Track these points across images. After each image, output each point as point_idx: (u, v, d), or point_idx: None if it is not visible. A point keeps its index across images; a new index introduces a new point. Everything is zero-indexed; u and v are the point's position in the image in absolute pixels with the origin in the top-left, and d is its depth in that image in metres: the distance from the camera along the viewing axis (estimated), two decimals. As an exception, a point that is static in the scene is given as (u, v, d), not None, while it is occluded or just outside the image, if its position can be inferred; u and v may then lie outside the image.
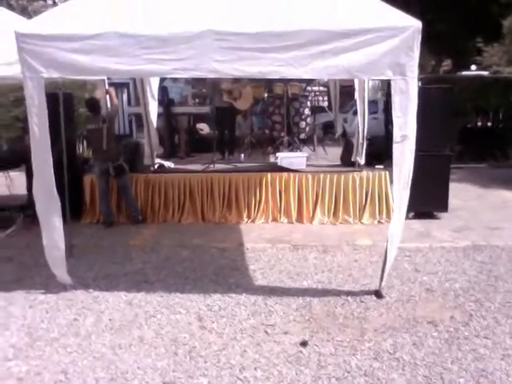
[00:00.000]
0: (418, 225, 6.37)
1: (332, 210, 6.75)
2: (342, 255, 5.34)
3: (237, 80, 8.21)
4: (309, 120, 9.38)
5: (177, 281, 4.65)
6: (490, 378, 3.06)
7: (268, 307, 4.07)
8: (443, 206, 6.69)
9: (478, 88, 11.63)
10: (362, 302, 4.15)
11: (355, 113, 9.81)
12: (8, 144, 10.47)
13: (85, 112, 7.73)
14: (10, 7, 16.75)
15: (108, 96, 6.88)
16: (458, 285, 4.51)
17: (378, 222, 6.65)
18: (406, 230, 4.37)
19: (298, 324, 3.78)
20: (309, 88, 10.02)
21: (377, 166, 7.05)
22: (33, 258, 5.11)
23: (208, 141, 8.83)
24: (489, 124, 13.09)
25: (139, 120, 10.46)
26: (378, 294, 4.26)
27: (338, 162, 7.81)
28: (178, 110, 9.15)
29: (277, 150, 8.27)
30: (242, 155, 8.48)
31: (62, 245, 4.20)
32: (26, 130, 5.70)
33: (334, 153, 8.56)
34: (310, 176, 6.77)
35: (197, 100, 10.56)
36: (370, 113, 8.99)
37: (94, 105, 6.59)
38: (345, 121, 14.72)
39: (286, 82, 8.58)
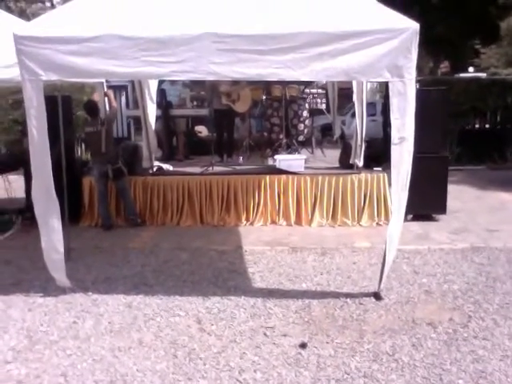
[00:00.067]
0: (417, 227, 6.38)
1: (330, 213, 6.75)
2: (341, 257, 5.34)
3: (235, 82, 8.22)
4: (307, 122, 9.39)
5: (176, 283, 4.65)
6: (489, 379, 3.06)
7: (267, 309, 4.07)
8: (441, 208, 6.70)
9: (475, 90, 11.67)
10: (361, 303, 4.15)
11: (353, 115, 9.81)
12: (6, 147, 10.47)
13: (83, 115, 7.74)
14: (9, 9, 16.77)
15: (106, 98, 6.89)
16: (457, 286, 4.51)
17: (377, 224, 6.66)
18: (404, 232, 4.38)
19: (298, 326, 3.78)
20: (307, 90, 10.03)
21: (375, 168, 7.06)
22: (31, 261, 5.10)
23: (206, 143, 8.82)
24: (487, 126, 13.11)
25: (137, 123, 10.49)
26: (376, 295, 4.27)
27: (337, 165, 7.82)
28: (176, 112, 9.16)
29: (275, 152, 8.28)
30: (241, 158, 8.48)
31: (60, 247, 4.19)
32: (24, 133, 5.71)
33: (333, 155, 8.57)
34: (308, 178, 6.78)
35: (195, 102, 10.56)
36: (368, 115, 8.99)
37: (92, 107, 6.60)
38: (343, 123, 14.74)
39: (284, 84, 8.59)
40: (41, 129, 4.01)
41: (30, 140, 4.03)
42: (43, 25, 4.11)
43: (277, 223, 6.75)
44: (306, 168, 7.35)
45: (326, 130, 13.08)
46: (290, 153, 8.29)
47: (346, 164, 7.52)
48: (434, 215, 6.80)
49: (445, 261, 5.19)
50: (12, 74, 4.68)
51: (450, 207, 6.76)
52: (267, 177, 6.81)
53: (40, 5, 24.11)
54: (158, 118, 8.27)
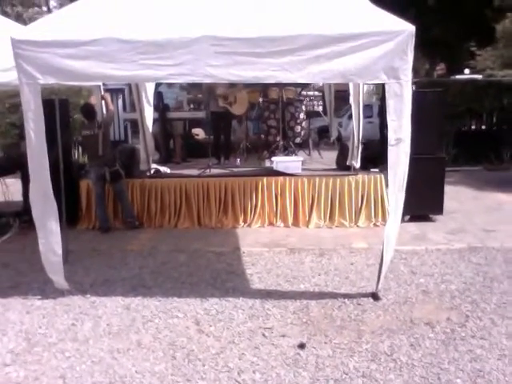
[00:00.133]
0: (414, 227, 6.40)
1: (328, 214, 6.77)
2: (339, 258, 5.36)
3: (232, 85, 8.24)
4: (304, 124, 9.41)
5: (174, 285, 4.66)
6: (487, 378, 3.08)
7: (265, 310, 4.08)
8: (438, 208, 6.72)
9: (471, 91, 11.71)
10: (359, 304, 4.17)
11: (350, 117, 9.86)
12: (3, 150, 10.46)
13: (80, 118, 7.74)
14: (5, 14, 16.77)
15: (104, 102, 6.91)
16: (454, 286, 4.53)
17: (374, 225, 6.68)
18: (401, 232, 4.41)
19: (296, 327, 3.80)
20: (303, 93, 10.06)
21: (372, 170, 7.07)
22: (29, 263, 5.11)
23: (204, 146, 8.83)
24: (483, 127, 13.16)
25: (134, 126, 10.48)
26: (374, 296, 4.28)
27: (334, 166, 7.84)
28: (173, 115, 9.15)
29: (272, 154, 8.29)
30: (238, 160, 8.49)
31: (58, 250, 4.19)
32: (22, 136, 5.71)
33: (330, 157, 8.59)
34: (305, 180, 6.80)
35: (192, 105, 10.58)
36: (365, 117, 9.06)
37: (89, 111, 6.60)
38: (340, 125, 14.79)
39: (281, 86, 8.61)
40: (38, 132, 4.02)
41: (28, 143, 4.04)
42: (41, 29, 4.12)
43: (274, 225, 6.76)
44: (303, 170, 7.37)
45: (323, 131, 13.09)
46: (287, 155, 8.30)
47: (343, 165, 7.54)
48: (430, 216, 6.82)
49: (442, 261, 5.21)
50: (9, 77, 4.68)
51: (446, 208, 6.78)
52: (264, 179, 6.82)
53: (36, 9, 24.14)
54: (155, 120, 8.27)
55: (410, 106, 3.93)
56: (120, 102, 12.70)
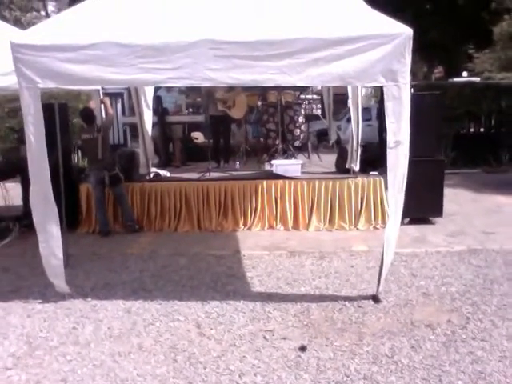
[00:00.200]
0: (414, 230, 6.41)
1: (328, 217, 6.77)
2: (339, 261, 5.36)
3: (231, 89, 8.26)
4: (303, 128, 9.45)
5: (174, 288, 4.66)
6: (488, 380, 3.08)
7: (266, 313, 4.08)
8: (438, 211, 6.73)
9: (469, 94, 11.74)
10: (359, 306, 4.17)
11: (349, 120, 9.88)
12: (3, 155, 10.47)
13: (79, 122, 7.76)
14: (3, 18, 16.80)
15: (103, 106, 6.92)
16: (455, 288, 4.53)
17: (374, 227, 6.68)
18: (401, 235, 4.41)
19: (297, 329, 3.80)
20: (302, 96, 10.09)
21: (371, 173, 7.08)
22: (30, 267, 5.11)
23: (203, 149, 8.85)
24: (481, 130, 13.19)
25: (133, 130, 10.51)
26: (375, 298, 4.29)
27: (333, 169, 7.86)
28: (172, 119, 9.18)
29: (272, 157, 8.32)
30: (238, 163, 8.51)
31: (59, 253, 4.20)
32: (21, 140, 5.71)
33: (329, 160, 8.61)
34: (305, 183, 6.81)
35: (190, 109, 10.60)
36: (364, 120, 9.06)
37: (88, 115, 6.61)
38: (339, 128, 14.79)
39: (279, 90, 8.65)
40: (38, 136, 4.03)
41: (28, 147, 4.05)
42: (40, 33, 4.14)
43: (274, 228, 6.77)
44: (302, 173, 7.39)
45: (322, 135, 13.15)
46: (286, 158, 8.33)
47: (342, 168, 7.56)
48: (430, 218, 6.83)
49: (442, 263, 5.22)
50: (9, 81, 4.69)
51: (446, 210, 6.79)
52: (264, 182, 6.83)
53: (35, 13, 24.21)
54: (154, 124, 8.30)
55: (408, 108, 3.94)
56: (119, 106, 12.73)
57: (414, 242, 5.95)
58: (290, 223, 6.77)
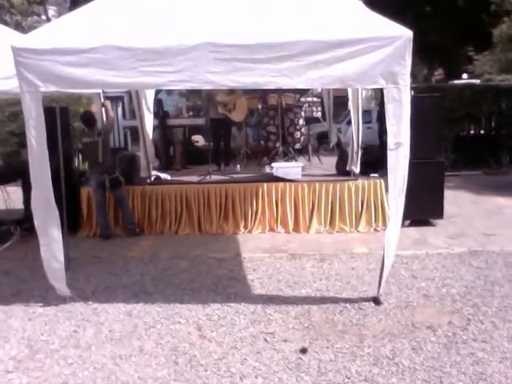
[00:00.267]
0: (414, 232, 6.41)
1: (328, 219, 6.78)
2: (340, 263, 5.37)
3: (231, 92, 8.27)
4: (303, 130, 9.45)
5: (175, 291, 4.66)
6: (489, 381, 3.08)
7: (267, 316, 4.08)
8: (439, 213, 6.73)
9: (469, 96, 11.75)
10: (360, 308, 4.17)
11: (349, 123, 9.90)
12: (4, 158, 10.49)
13: (80, 126, 7.78)
14: (4, 22, 16.84)
15: (104, 109, 6.94)
16: (455, 290, 4.54)
17: (375, 229, 6.68)
18: (402, 237, 4.42)
19: (298, 332, 3.80)
20: (302, 99, 10.10)
21: (372, 175, 7.09)
22: (31, 271, 5.11)
23: (203, 153, 8.86)
24: (482, 132, 13.20)
25: (134, 133, 10.51)
26: (376, 300, 4.29)
27: (334, 172, 7.85)
28: (172, 122, 9.19)
29: (272, 160, 8.31)
30: (238, 166, 8.51)
31: (60, 257, 4.21)
32: (22, 144, 5.71)
33: (329, 162, 8.61)
34: (305, 185, 6.81)
35: (190, 113, 10.61)
36: (364, 122, 9.07)
37: (88, 118, 6.63)
38: (339, 131, 14.82)
39: (280, 92, 8.66)
40: (40, 139, 4.04)
41: (30, 150, 4.06)
42: (41, 37, 4.15)
43: (275, 230, 6.77)
44: (303, 175, 7.38)
45: (322, 137, 13.14)
46: (286, 160, 8.32)
47: (342, 171, 7.56)
48: (431, 220, 6.83)
49: (443, 265, 5.22)
50: (10, 85, 4.71)
51: (446, 212, 6.79)
52: (265, 185, 6.84)
53: (36, 18, 24.25)
54: (155, 127, 8.31)
55: (408, 110, 3.95)
56: (119, 109, 12.74)
57: (414, 244, 5.95)
58: (291, 226, 6.77)
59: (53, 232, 4.16)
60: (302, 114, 9.51)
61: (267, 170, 8.08)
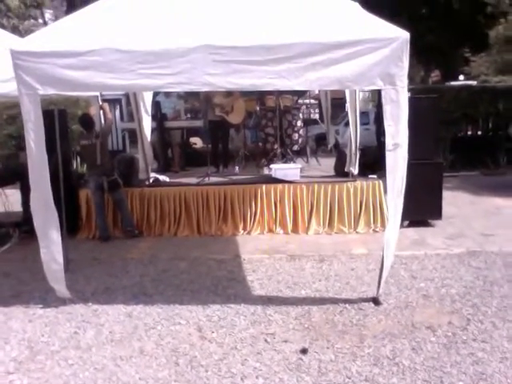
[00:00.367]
0: (413, 233, 6.43)
1: (327, 220, 6.79)
2: (339, 264, 5.38)
3: (229, 94, 8.29)
4: (301, 132, 9.46)
5: (175, 292, 4.67)
6: (489, 381, 3.09)
7: (267, 316, 4.09)
8: (437, 213, 6.75)
9: (466, 97, 11.79)
10: (360, 309, 4.18)
11: (347, 124, 9.90)
12: (2, 161, 10.49)
13: (78, 128, 7.78)
14: (1, 26, 16.84)
15: (102, 111, 6.94)
16: (455, 290, 4.55)
17: (373, 230, 6.69)
18: (401, 238, 4.42)
19: (298, 332, 3.81)
20: (300, 101, 10.11)
21: (370, 176, 7.10)
22: (31, 272, 5.11)
23: (202, 155, 8.87)
24: (479, 133, 13.23)
25: (132, 135, 10.52)
26: (375, 301, 4.30)
27: (332, 173, 7.87)
28: (171, 124, 9.20)
29: (271, 162, 8.32)
30: (237, 168, 8.52)
31: (60, 259, 4.20)
32: (20, 147, 5.71)
33: (327, 164, 8.63)
34: (304, 187, 6.82)
35: (188, 115, 10.62)
36: (362, 124, 9.08)
37: (86, 121, 6.63)
38: (337, 132, 14.83)
39: (277, 94, 8.67)
40: (39, 142, 4.04)
41: (29, 153, 4.06)
42: (40, 40, 4.16)
43: (274, 232, 6.78)
44: (301, 177, 7.39)
45: (320, 139, 13.17)
46: (285, 162, 8.33)
47: (341, 172, 7.57)
48: (429, 221, 6.85)
49: (442, 265, 5.23)
50: (8, 88, 4.71)
51: (445, 213, 6.81)
52: (263, 186, 6.85)
53: (32, 21, 24.24)
54: (153, 130, 8.32)
55: (406, 111, 3.97)
56: (117, 112, 12.76)
57: (413, 245, 5.96)
58: (290, 227, 6.78)
59: (52, 234, 4.16)
60: (300, 115, 9.53)
61: (266, 171, 8.09)
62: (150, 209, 6.89)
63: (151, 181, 7.67)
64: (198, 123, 9.39)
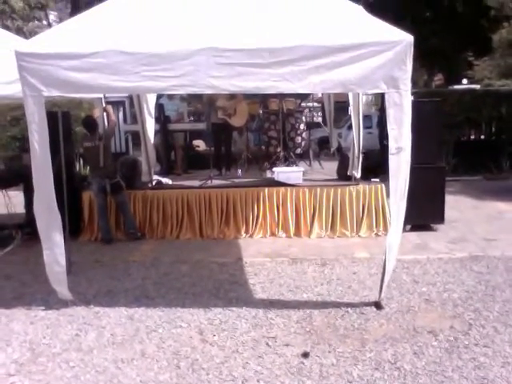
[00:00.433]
0: (415, 237, 6.42)
1: (329, 224, 6.79)
2: (341, 268, 5.37)
3: (232, 96, 8.29)
4: (304, 135, 9.46)
5: (177, 295, 4.67)
6: (491, 386, 3.09)
7: (269, 320, 4.09)
8: (440, 217, 6.75)
9: (469, 101, 11.77)
10: (362, 313, 4.18)
11: (350, 128, 9.92)
12: (5, 163, 10.52)
13: (81, 130, 7.80)
14: (6, 27, 16.89)
15: (105, 113, 6.96)
16: (457, 295, 4.54)
17: (376, 234, 6.69)
18: (403, 242, 4.42)
19: (299, 336, 3.80)
20: (303, 104, 10.11)
21: (373, 180, 7.11)
22: (33, 275, 5.13)
23: (204, 157, 8.87)
24: (482, 137, 13.22)
25: (135, 138, 10.53)
26: (377, 305, 4.29)
27: (335, 176, 7.87)
28: (174, 126, 9.21)
29: (273, 165, 8.33)
30: (239, 171, 8.51)
31: (62, 261, 4.21)
32: (23, 149, 5.72)
33: (330, 167, 8.63)
34: (306, 190, 6.82)
35: (191, 117, 10.64)
36: (365, 127, 9.10)
37: (90, 123, 6.65)
38: (340, 136, 14.86)
39: (281, 97, 8.68)
40: (42, 143, 4.05)
41: (32, 154, 4.07)
42: (44, 41, 4.17)
43: (276, 235, 6.78)
44: (304, 180, 7.39)
45: (323, 142, 13.18)
46: (287, 165, 8.33)
47: (343, 176, 7.57)
48: (432, 225, 6.84)
49: (444, 270, 5.22)
50: (13, 90, 4.72)
51: (447, 217, 6.81)
52: (266, 189, 6.85)
53: (37, 23, 24.30)
54: (156, 132, 8.33)
55: (409, 115, 3.96)
56: (121, 114, 12.78)
57: (415, 249, 5.96)
58: (292, 230, 6.78)
59: (55, 236, 4.17)
60: (303, 119, 9.53)
61: (268, 174, 8.09)
62: (152, 211, 6.90)
63: (154, 183, 7.68)
64: (201, 126, 9.40)
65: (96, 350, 3.64)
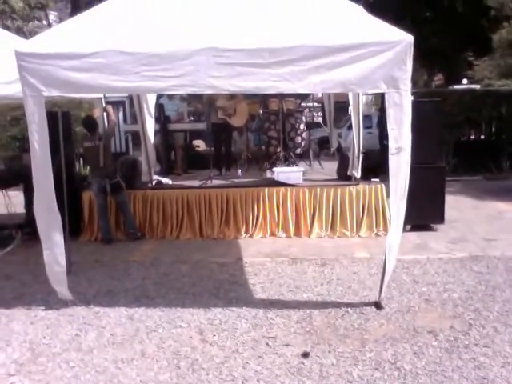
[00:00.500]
0: (415, 237, 6.42)
1: (329, 224, 6.79)
2: (341, 268, 5.37)
3: (232, 96, 8.29)
4: (304, 135, 9.46)
5: (177, 295, 4.67)
6: (491, 386, 3.09)
7: (269, 320, 4.09)
8: (440, 217, 6.75)
9: (469, 101, 11.77)
10: (362, 313, 4.18)
11: (350, 128, 9.92)
12: (5, 163, 10.52)
13: (81, 130, 7.80)
14: (6, 27, 16.88)
15: (105, 113, 6.96)
16: (457, 295, 4.54)
17: (376, 234, 6.69)
18: (403, 242, 4.42)
19: (299, 336, 3.80)
20: (303, 104, 10.11)
21: (373, 180, 7.11)
22: (33, 275, 5.13)
23: (204, 157, 8.87)
24: (482, 137, 13.21)
25: (135, 138, 10.53)
26: (377, 305, 4.29)
27: (335, 176, 7.87)
28: (174, 126, 9.21)
29: (273, 165, 8.33)
30: (239, 171, 8.51)
31: (62, 261, 4.21)
32: (23, 149, 5.72)
33: (330, 167, 8.63)
34: (306, 190, 6.82)
35: (191, 118, 10.64)
36: (364, 127, 9.09)
37: (90, 123, 6.65)
38: (340, 136, 14.85)
39: (281, 97, 8.68)
40: (43, 143, 4.05)
41: (32, 154, 4.07)
42: (44, 41, 4.17)
43: (276, 235, 6.78)
44: (304, 180, 7.39)
45: (323, 142, 13.18)
46: (287, 165, 8.33)
47: (343, 176, 7.57)
48: (432, 225, 6.84)
49: (444, 270, 5.22)
50: (13, 90, 4.72)
51: (447, 217, 6.81)
52: (266, 189, 6.85)
53: (37, 23, 24.30)
54: (156, 132, 8.33)
55: (410, 115, 3.96)
56: (121, 114, 12.79)
57: (415, 249, 5.96)
58: (292, 230, 6.78)
59: (55, 236, 4.17)
60: (303, 119, 9.53)
61: (268, 174, 8.09)
62: (152, 211, 6.90)
63: (154, 183, 7.68)
64: (201, 126, 9.39)
65: (96, 350, 3.64)
